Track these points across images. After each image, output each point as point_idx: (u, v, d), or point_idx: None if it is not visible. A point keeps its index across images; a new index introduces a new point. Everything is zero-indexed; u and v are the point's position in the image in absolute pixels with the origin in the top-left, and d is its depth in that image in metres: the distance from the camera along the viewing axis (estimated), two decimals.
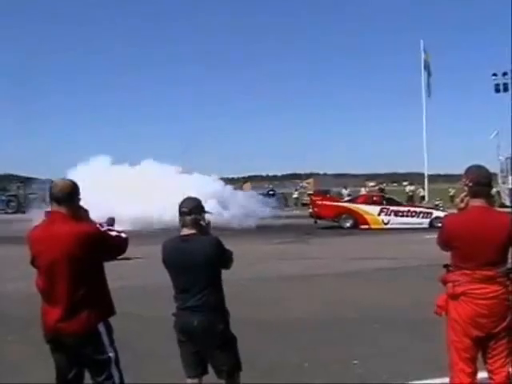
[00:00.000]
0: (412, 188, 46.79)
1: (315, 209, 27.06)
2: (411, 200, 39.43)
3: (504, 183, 35.99)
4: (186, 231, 4.34)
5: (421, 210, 26.52)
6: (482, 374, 4.23)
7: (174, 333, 4.40)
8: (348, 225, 25.73)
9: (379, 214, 25.82)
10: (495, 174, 35.49)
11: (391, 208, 25.96)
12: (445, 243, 4.23)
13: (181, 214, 4.35)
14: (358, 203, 26.84)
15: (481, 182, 4.15)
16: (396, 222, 25.49)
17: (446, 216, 4.62)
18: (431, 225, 24.04)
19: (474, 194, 4.14)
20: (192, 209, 4.35)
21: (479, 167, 4.28)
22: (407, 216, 25.67)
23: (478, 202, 4.12)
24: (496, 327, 4.04)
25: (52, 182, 4.14)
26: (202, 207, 4.43)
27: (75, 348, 3.92)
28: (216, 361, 4.33)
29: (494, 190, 33.63)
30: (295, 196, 51.57)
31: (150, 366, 6.33)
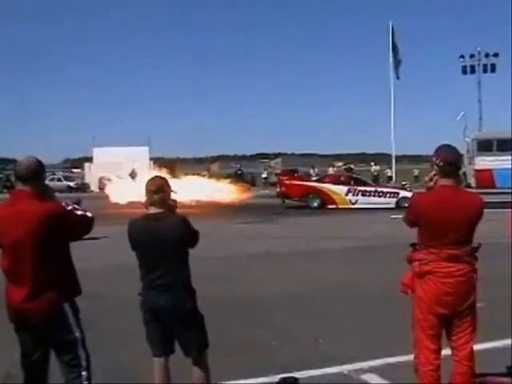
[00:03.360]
0: (377, 168, 47.51)
1: (283, 188, 27.11)
2: (377, 180, 39.89)
3: (470, 164, 36.43)
4: (153, 210, 4.31)
5: (388, 190, 26.73)
6: (447, 351, 4.30)
7: (141, 312, 4.39)
8: (315, 204, 25.81)
9: (347, 194, 25.95)
10: (461, 155, 35.95)
11: (358, 188, 26.10)
12: (413, 221, 4.26)
13: (148, 192, 4.32)
14: (325, 183, 26.93)
15: (451, 161, 4.18)
16: (363, 201, 25.64)
17: (414, 194, 4.65)
18: (398, 205, 24.23)
19: (443, 174, 4.17)
20: (159, 187, 4.32)
21: (450, 147, 4.31)
22: (374, 196, 25.83)
23: (447, 182, 4.15)
24: (461, 305, 4.10)
25: (17, 161, 4.08)
26: (169, 186, 4.40)
27: (41, 328, 3.87)
28: (184, 339, 4.33)
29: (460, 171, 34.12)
30: (264, 176, 51.63)
31: (116, 346, 6.30)
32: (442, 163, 4.16)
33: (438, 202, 4.11)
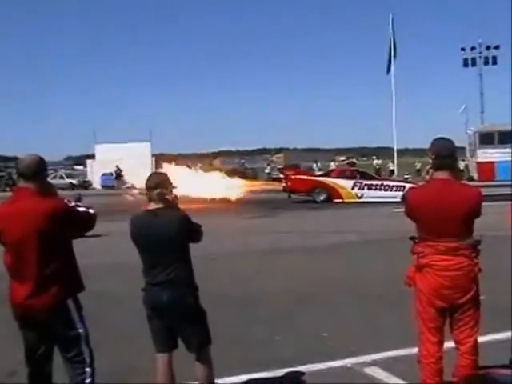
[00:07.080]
0: (379, 162, 47.46)
1: (289, 183, 27.09)
2: (378, 173, 39.89)
3: (472, 157, 36.29)
4: (152, 206, 4.32)
5: (394, 183, 26.60)
6: (450, 344, 4.29)
7: (144, 309, 4.40)
8: (322, 199, 25.79)
9: (353, 188, 25.92)
10: (463, 148, 35.84)
11: (364, 182, 26.07)
12: (409, 215, 4.27)
13: (147, 188, 4.34)
14: (331, 177, 26.91)
15: (442, 154, 4.17)
16: (369, 195, 25.59)
17: (409, 189, 4.66)
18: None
19: (436, 167, 4.17)
20: (158, 183, 4.33)
21: (442, 140, 4.29)
22: (380, 190, 25.78)
23: (440, 175, 4.15)
24: (459, 299, 4.08)
25: (18, 158, 4.10)
26: (169, 182, 4.42)
27: (44, 324, 3.90)
28: (185, 335, 4.34)
29: (462, 164, 33.98)
30: (267, 171, 51.55)
31: (119, 343, 6.33)
32: (433, 156, 4.16)
33: (430, 196, 4.11)
